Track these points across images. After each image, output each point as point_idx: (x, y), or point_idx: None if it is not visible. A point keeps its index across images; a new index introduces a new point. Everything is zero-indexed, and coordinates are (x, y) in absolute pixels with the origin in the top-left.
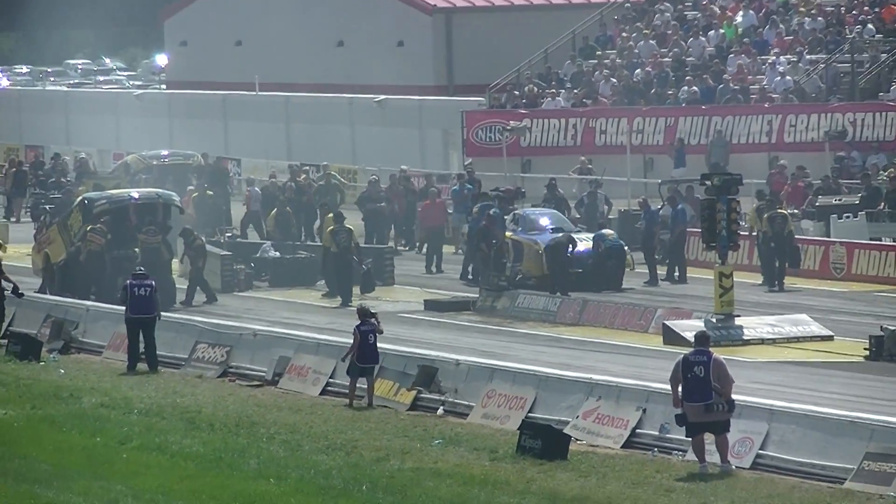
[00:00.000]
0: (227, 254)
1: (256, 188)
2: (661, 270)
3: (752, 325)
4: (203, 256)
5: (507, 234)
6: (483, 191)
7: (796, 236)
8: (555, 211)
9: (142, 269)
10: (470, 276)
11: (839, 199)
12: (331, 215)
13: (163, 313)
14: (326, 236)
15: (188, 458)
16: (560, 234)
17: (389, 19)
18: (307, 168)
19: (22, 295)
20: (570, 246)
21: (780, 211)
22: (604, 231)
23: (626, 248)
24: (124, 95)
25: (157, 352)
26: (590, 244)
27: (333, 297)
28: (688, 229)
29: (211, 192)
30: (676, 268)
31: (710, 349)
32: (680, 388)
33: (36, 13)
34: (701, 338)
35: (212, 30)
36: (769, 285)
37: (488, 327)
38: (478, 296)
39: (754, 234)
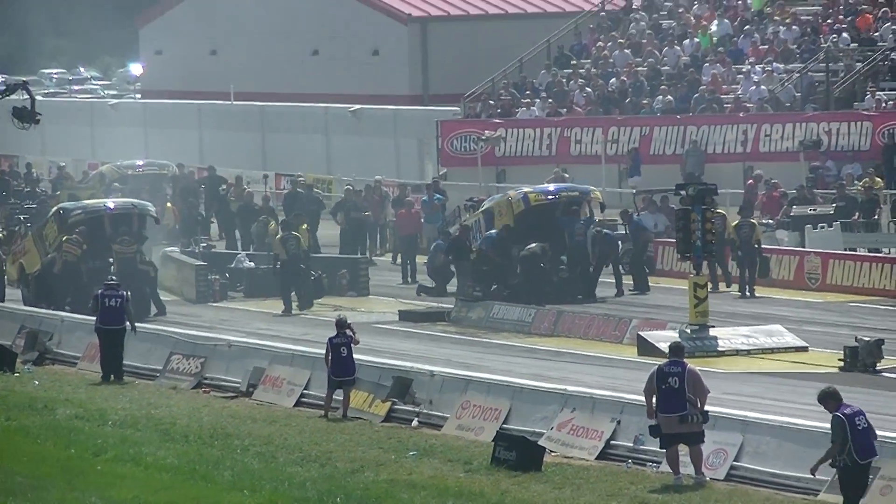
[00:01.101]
0: (201, 264)
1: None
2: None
3: (727, 335)
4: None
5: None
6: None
7: (772, 246)
8: None
9: (114, 278)
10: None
11: (814, 209)
12: (305, 226)
13: (137, 324)
14: (276, 243)
15: (163, 470)
16: (534, 245)
17: (364, 28)
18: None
19: None
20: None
21: (748, 220)
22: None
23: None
24: (99, 104)
25: (132, 363)
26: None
27: (287, 307)
28: (660, 239)
29: (170, 205)
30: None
31: (685, 360)
32: (654, 400)
33: (9, 21)
34: (675, 349)
35: (187, 39)
36: (727, 288)
37: (463, 338)
38: (452, 306)
39: None
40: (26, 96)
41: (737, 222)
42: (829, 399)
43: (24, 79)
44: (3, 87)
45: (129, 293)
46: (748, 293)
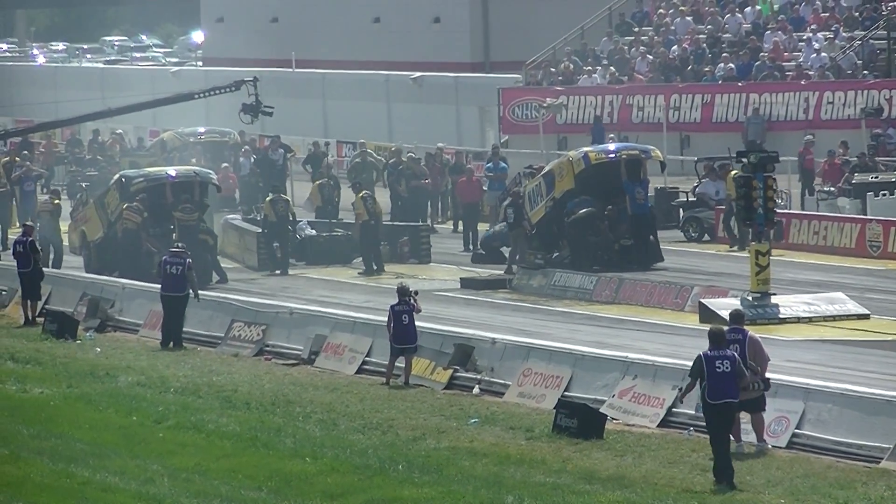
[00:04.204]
0: (263, 231)
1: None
2: (701, 248)
3: (789, 303)
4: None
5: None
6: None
7: (833, 213)
8: None
9: (180, 245)
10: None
11: (876, 177)
12: (363, 193)
13: (199, 291)
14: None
15: (224, 437)
16: (583, 211)
17: None
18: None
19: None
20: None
21: None
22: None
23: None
24: (160, 72)
25: (193, 330)
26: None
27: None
28: (721, 207)
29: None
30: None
31: (746, 327)
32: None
33: None
34: (736, 316)
35: (248, 6)
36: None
37: (524, 305)
38: (514, 274)
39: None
40: (253, 92)
41: None
42: (710, 337)
43: (254, 76)
44: (232, 83)
45: (190, 261)
46: None
